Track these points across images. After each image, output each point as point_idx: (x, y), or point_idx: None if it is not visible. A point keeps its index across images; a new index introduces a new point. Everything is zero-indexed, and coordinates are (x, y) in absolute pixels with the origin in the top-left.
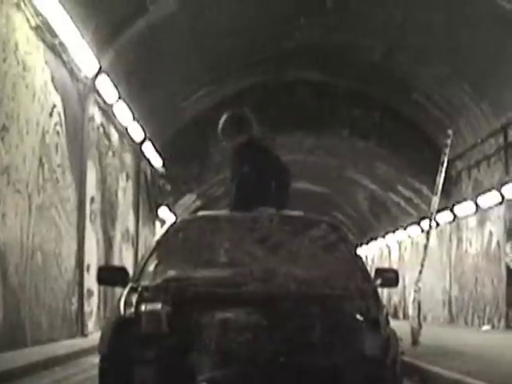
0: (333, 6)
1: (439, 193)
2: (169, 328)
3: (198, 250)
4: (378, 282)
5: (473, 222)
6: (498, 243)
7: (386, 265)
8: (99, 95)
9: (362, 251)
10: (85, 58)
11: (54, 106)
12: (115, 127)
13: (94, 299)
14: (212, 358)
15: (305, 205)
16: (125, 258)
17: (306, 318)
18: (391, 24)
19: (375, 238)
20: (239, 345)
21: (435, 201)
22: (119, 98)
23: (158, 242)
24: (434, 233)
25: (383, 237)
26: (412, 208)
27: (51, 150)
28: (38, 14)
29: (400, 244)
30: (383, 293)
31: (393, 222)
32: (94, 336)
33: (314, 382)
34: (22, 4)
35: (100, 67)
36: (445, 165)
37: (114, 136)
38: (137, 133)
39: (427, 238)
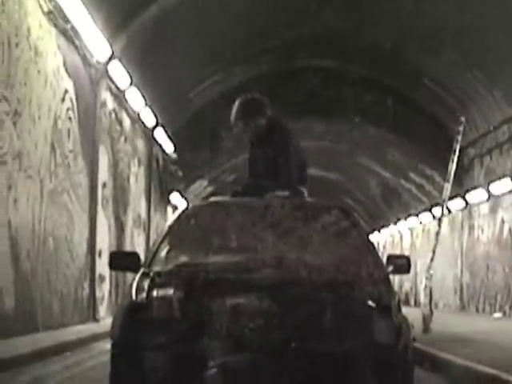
0: None
1: (451, 180)
2: (180, 313)
3: (210, 235)
4: (390, 268)
5: (485, 209)
6: (509, 230)
7: (397, 252)
8: (111, 81)
9: (373, 238)
10: (97, 43)
11: (66, 91)
12: (127, 113)
13: (106, 285)
14: (223, 343)
15: (316, 191)
16: (136, 244)
17: (317, 304)
18: (403, 10)
19: (387, 225)
20: (250, 330)
21: (447, 188)
22: (131, 83)
23: (170, 228)
24: (445, 220)
25: (395, 223)
26: (424, 195)
27: (63, 136)
28: None
29: (412, 231)
30: (394, 280)
31: (404, 209)
32: (105, 321)
33: (325, 368)
34: None
35: (112, 53)
36: (457, 152)
37: (126, 122)
38: (149, 118)
39: (439, 225)
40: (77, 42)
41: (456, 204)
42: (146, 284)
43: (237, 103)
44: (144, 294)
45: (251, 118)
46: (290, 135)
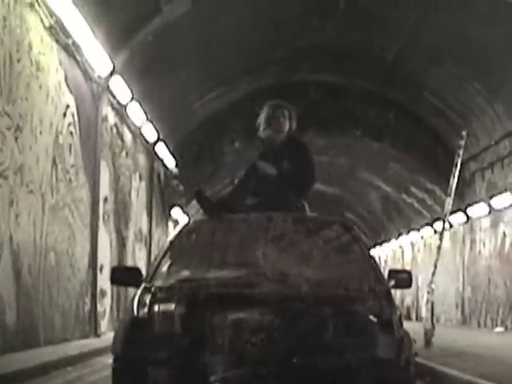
0: (346, 7)
1: (453, 194)
2: (182, 328)
3: (211, 250)
4: (391, 283)
5: (486, 223)
6: (511, 244)
7: (398, 266)
8: (113, 95)
9: (374, 252)
10: (98, 58)
11: (68, 106)
12: (128, 128)
13: (107, 299)
14: (225, 358)
15: (317, 206)
16: (138, 259)
17: (318, 319)
18: (405, 24)
19: (388, 239)
20: (252, 345)
21: (449, 202)
22: (132, 98)
23: (172, 243)
24: (447, 234)
25: (396, 238)
26: (425, 209)
27: (65, 151)
28: (51, 14)
29: (413, 245)
30: (396, 294)
31: (406, 223)
32: (107, 336)
33: (327, 383)
34: (36, 4)
35: (113, 67)
36: (458, 166)
37: (128, 136)
38: (150, 133)
39: (440, 240)
40: (78, 57)
41: (457, 218)
42: (147, 299)
43: (270, 105)
44: (145, 309)
45: (280, 123)
46: (308, 149)
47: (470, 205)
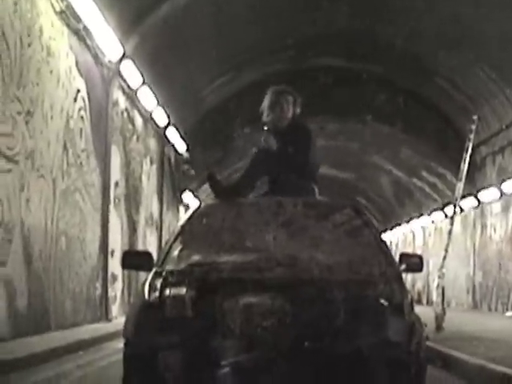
0: None
1: (463, 179)
2: (193, 313)
3: (222, 234)
4: (403, 267)
5: (497, 208)
6: None
7: (409, 250)
8: (123, 80)
9: (386, 236)
10: (109, 42)
11: (79, 90)
12: (139, 112)
13: (118, 284)
14: (236, 342)
15: (328, 190)
16: (149, 243)
17: (329, 303)
18: (415, 9)
19: (399, 224)
20: (263, 330)
21: (459, 187)
22: (143, 82)
23: (183, 227)
24: (458, 219)
25: (407, 222)
26: (436, 194)
27: (75, 135)
28: None
29: (424, 230)
30: (407, 278)
31: (417, 208)
32: (118, 320)
33: (338, 367)
34: None
35: (124, 52)
36: (469, 151)
37: (138, 121)
38: (161, 118)
39: (451, 224)
40: (89, 42)
41: (468, 203)
42: (158, 283)
43: (271, 91)
44: (157, 294)
45: (285, 108)
46: (312, 135)
47: (480, 189)
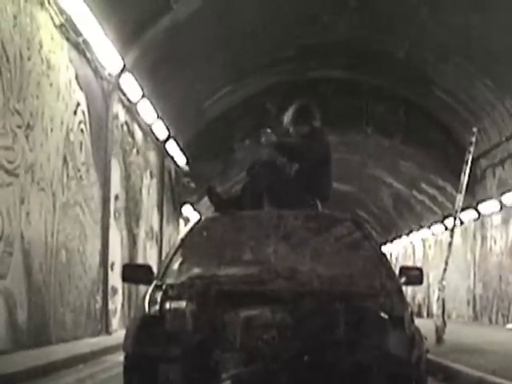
0: (357, 5)
1: (464, 191)
2: (193, 326)
3: (223, 247)
4: (403, 280)
5: (497, 220)
6: None
7: (410, 263)
8: (123, 93)
9: (386, 249)
10: (109, 56)
11: (78, 104)
12: (139, 125)
13: (119, 297)
14: (237, 355)
15: (328, 202)
16: (149, 256)
17: (330, 316)
18: (415, 21)
19: (399, 236)
20: (264, 342)
21: (459, 199)
22: (143, 96)
23: (183, 240)
24: (458, 231)
25: (407, 235)
26: (436, 206)
27: (75, 148)
28: (61, 12)
29: (424, 242)
30: (407, 291)
31: (417, 220)
32: (118, 334)
33: (339, 380)
34: (46, 2)
35: (124, 65)
36: (469, 163)
37: (138, 134)
38: (161, 131)
39: (451, 236)
40: (88, 55)
41: (468, 215)
42: (158, 296)
43: (294, 107)
44: (157, 307)
45: (301, 125)
46: (327, 151)
47: (480, 201)
